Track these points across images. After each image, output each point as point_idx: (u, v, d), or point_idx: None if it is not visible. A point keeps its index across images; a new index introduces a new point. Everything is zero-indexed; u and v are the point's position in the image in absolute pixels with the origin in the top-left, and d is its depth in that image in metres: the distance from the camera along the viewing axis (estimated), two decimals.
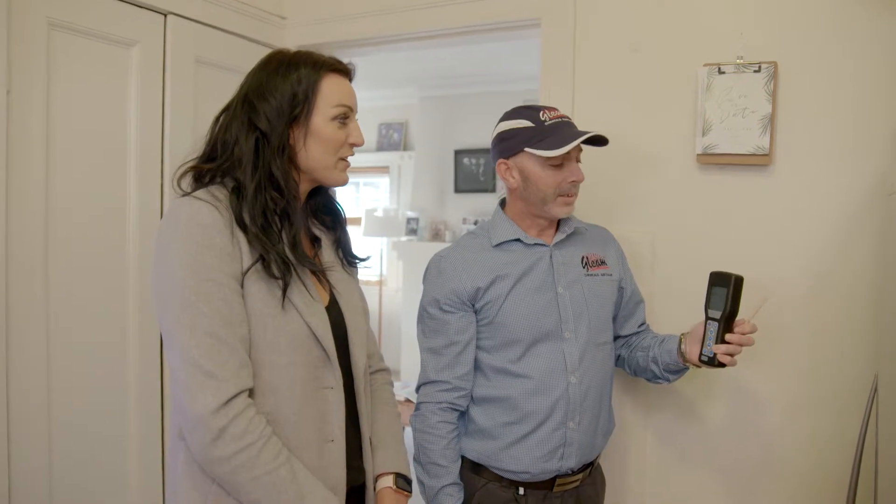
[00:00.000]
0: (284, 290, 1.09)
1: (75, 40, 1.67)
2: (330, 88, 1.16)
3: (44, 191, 1.61)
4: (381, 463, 1.27)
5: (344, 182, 1.23)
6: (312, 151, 1.16)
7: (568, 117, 1.46)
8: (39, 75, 1.59)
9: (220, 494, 1.06)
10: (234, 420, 1.01)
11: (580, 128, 1.44)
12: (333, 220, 1.32)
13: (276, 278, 1.08)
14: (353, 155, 1.23)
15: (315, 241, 1.26)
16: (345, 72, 1.21)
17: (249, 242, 1.08)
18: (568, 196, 1.45)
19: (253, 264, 1.07)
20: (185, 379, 1.01)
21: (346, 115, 1.19)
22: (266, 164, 1.11)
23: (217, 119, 1.17)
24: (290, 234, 1.13)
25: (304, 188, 1.22)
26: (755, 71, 1.59)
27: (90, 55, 1.72)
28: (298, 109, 1.14)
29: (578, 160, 1.46)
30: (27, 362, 1.59)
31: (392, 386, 1.41)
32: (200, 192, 1.09)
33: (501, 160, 1.47)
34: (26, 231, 1.58)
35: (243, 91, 1.16)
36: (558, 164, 1.41)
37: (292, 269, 1.11)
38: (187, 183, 1.14)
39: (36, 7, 1.58)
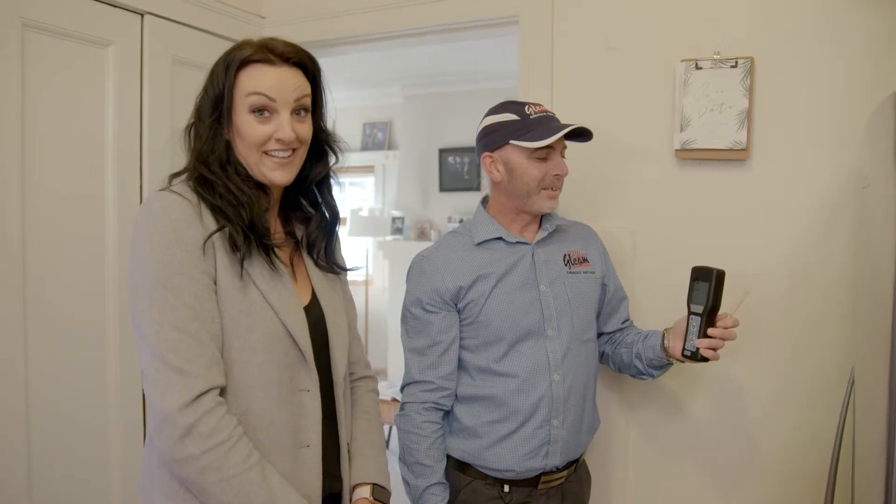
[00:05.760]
0: (242, 261, 1.05)
1: (50, 41, 1.64)
2: (247, 79, 1.08)
3: (20, 193, 1.59)
4: (358, 473, 1.22)
5: (278, 181, 1.12)
6: (239, 148, 1.10)
7: (552, 113, 1.47)
8: (13, 76, 1.56)
9: (189, 500, 1.02)
10: (203, 417, 0.96)
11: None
12: (309, 216, 1.25)
13: (236, 250, 1.05)
14: (287, 151, 1.10)
15: (289, 235, 1.22)
16: (268, 61, 1.08)
17: (217, 221, 1.05)
18: (552, 190, 1.45)
19: (215, 232, 1.03)
20: (152, 374, 0.97)
21: (263, 107, 1.08)
22: (212, 152, 1.10)
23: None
24: (247, 215, 1.08)
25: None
26: (732, 66, 1.60)
27: (65, 56, 1.69)
28: (219, 110, 1.09)
29: (563, 155, 1.46)
30: (3, 355, 1.56)
31: (377, 394, 1.36)
32: (177, 185, 1.09)
33: (486, 153, 1.47)
34: (2, 232, 1.55)
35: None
36: (543, 157, 1.42)
37: (255, 243, 1.07)
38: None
39: (9, 8, 1.55)
